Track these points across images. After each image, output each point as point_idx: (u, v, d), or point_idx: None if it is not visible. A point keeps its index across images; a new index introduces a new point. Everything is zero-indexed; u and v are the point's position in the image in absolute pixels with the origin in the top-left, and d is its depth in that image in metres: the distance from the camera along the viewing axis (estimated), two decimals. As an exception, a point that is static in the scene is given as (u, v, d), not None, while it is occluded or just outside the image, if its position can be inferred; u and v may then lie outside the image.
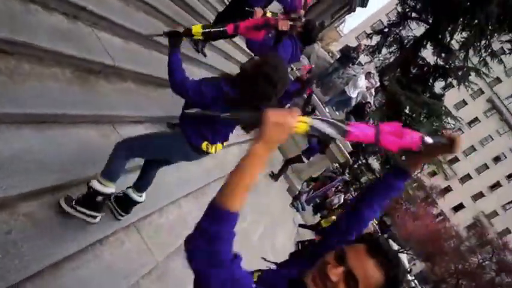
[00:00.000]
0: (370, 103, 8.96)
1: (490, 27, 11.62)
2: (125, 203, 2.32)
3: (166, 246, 2.72)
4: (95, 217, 2.03)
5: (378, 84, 9.34)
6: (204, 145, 2.11)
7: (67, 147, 2.22)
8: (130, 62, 3.11)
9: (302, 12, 4.41)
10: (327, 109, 8.56)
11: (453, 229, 27.66)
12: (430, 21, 12.42)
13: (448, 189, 35.61)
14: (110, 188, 2.02)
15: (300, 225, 7.72)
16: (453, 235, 26.70)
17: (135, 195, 2.31)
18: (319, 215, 9.54)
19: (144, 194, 2.37)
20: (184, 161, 2.45)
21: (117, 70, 2.95)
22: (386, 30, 13.69)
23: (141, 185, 2.35)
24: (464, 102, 34.64)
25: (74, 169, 2.17)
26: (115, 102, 2.83)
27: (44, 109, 2.12)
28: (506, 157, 35.99)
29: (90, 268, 2.02)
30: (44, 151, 2.03)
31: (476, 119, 35.85)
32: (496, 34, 12.07)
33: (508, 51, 12.99)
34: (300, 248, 6.05)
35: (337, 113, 8.90)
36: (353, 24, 32.65)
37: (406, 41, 13.17)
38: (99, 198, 1.99)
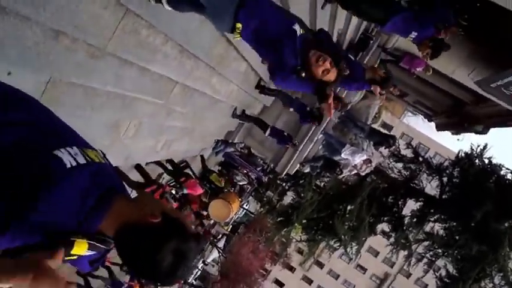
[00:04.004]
0: (341, 173, 9.33)
1: (456, 254, 12.50)
2: None
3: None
4: None
5: (363, 174, 9.72)
6: (238, 25, 2.08)
7: None
8: None
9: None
10: (320, 135, 8.78)
11: (258, 284, 30.53)
12: (444, 196, 12.96)
13: (291, 269, 38.74)
14: None
15: (201, 157, 8.05)
16: (254, 288, 29.60)
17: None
18: (219, 169, 9.99)
19: (169, 7, 2.46)
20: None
21: None
22: (420, 159, 13.99)
23: None
24: (375, 253, 37.13)
25: None
26: None
27: None
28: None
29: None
30: None
31: (364, 270, 38.87)
32: (451, 259, 13.01)
33: (436, 275, 14.16)
34: (176, 167, 6.33)
35: (320, 146, 9.17)
36: (415, 124, 32.75)
37: (414, 182, 13.61)
38: None
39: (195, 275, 26.82)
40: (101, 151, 1.14)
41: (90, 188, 0.95)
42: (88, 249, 0.97)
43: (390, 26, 4.38)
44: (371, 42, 8.90)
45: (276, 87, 6.86)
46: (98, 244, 0.98)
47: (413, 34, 4.50)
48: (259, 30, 2.07)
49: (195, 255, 0.98)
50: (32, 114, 1.05)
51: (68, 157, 0.95)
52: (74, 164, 0.95)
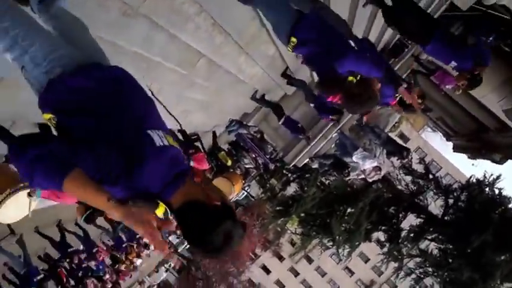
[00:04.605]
0: (348, 175, 9.26)
1: (445, 276, 12.41)
2: None
3: None
4: None
5: (370, 180, 9.61)
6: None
7: None
8: None
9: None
10: (335, 134, 8.70)
11: (245, 266, 30.98)
12: (446, 217, 12.82)
13: (280, 258, 39.15)
14: None
15: (213, 133, 8.05)
16: (241, 270, 30.04)
17: None
18: (228, 148, 10.00)
19: None
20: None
21: None
22: (429, 177, 13.80)
23: None
24: (366, 259, 37.21)
25: None
26: None
27: None
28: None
29: None
30: None
31: (352, 273, 39.06)
32: (439, 280, 12.95)
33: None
34: (187, 138, 6.36)
35: (333, 145, 9.10)
36: (432, 141, 32.21)
37: (419, 198, 13.49)
38: None
39: (185, 246, 27.29)
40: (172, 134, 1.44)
41: (171, 165, 1.20)
42: (163, 214, 1.16)
43: (431, 48, 4.09)
44: (406, 50, 8.66)
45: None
46: (169, 211, 1.17)
47: (453, 64, 4.31)
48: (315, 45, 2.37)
49: (238, 240, 1.15)
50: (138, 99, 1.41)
51: (157, 137, 1.22)
52: (161, 143, 1.22)
